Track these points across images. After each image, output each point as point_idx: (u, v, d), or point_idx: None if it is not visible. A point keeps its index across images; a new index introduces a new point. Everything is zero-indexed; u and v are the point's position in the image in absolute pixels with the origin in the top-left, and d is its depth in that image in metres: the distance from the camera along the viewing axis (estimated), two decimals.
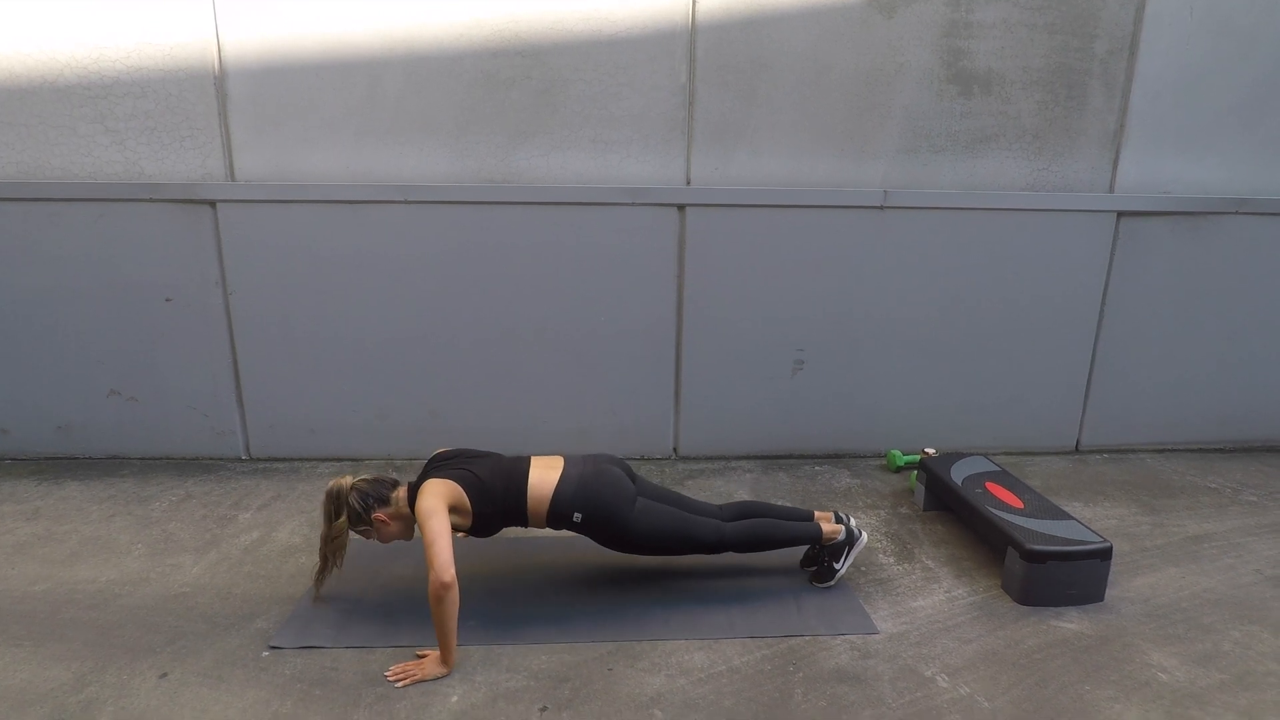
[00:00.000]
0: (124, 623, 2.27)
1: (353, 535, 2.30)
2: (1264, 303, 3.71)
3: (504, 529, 2.33)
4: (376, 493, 2.24)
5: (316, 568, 2.32)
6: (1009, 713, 1.95)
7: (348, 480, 2.24)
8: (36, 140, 3.20)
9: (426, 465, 2.33)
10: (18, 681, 2.00)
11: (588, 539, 2.80)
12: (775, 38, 3.25)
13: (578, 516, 2.25)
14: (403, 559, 2.65)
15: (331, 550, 2.27)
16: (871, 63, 3.31)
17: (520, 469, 2.29)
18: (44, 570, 2.55)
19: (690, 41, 3.23)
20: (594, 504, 2.25)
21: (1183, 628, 2.33)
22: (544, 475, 2.28)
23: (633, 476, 2.45)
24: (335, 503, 2.22)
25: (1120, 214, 3.52)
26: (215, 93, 3.17)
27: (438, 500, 2.11)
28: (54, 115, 3.18)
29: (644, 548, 2.34)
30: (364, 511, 2.20)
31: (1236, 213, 3.56)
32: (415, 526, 2.25)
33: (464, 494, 2.18)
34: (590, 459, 2.38)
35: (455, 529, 2.19)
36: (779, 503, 2.93)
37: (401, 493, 2.27)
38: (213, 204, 3.26)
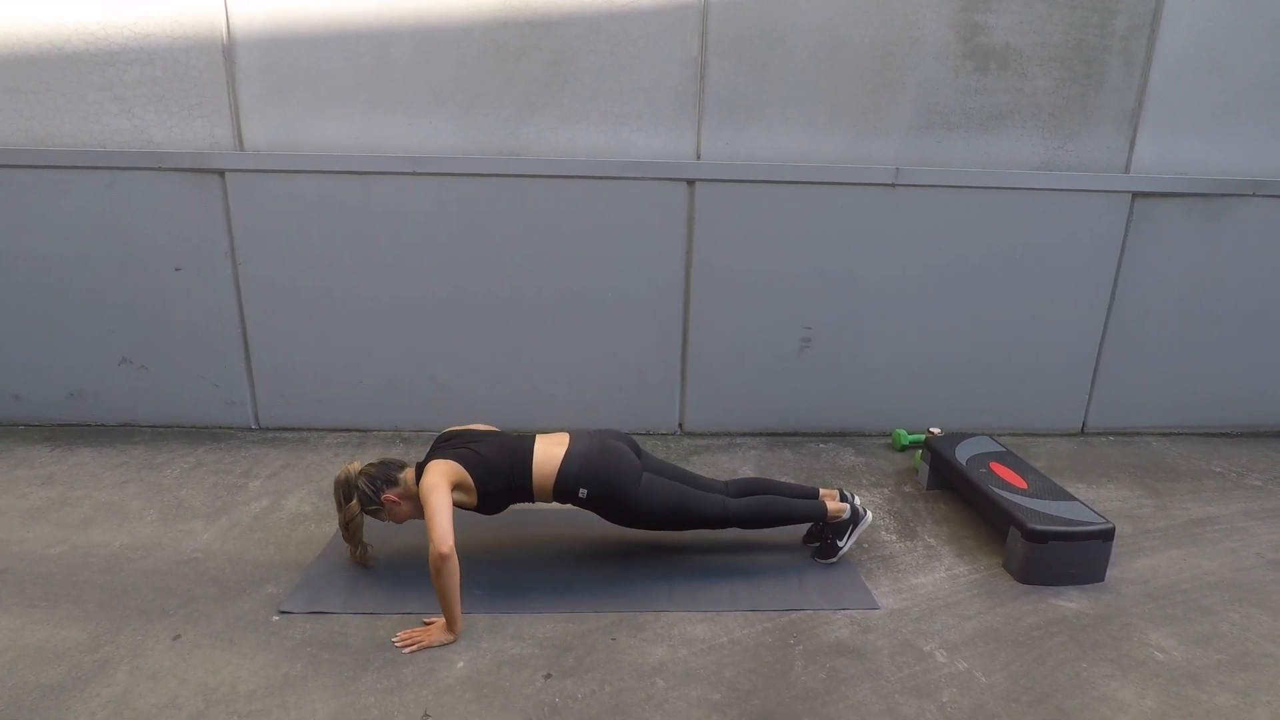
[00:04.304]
0: (137, 586, 2.31)
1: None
2: (1277, 286, 3.67)
3: (511, 505, 2.36)
4: (384, 475, 2.29)
5: (349, 551, 2.43)
6: (1005, 688, 1.97)
7: (355, 465, 2.31)
8: (45, 107, 3.19)
9: (431, 447, 2.37)
10: (35, 641, 2.05)
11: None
12: (789, 10, 3.20)
13: (583, 492, 2.28)
14: (410, 529, 2.68)
15: (351, 533, 2.34)
16: (887, 36, 3.25)
17: (524, 446, 2.32)
18: (59, 534, 2.60)
19: (703, 13, 3.18)
20: (599, 480, 2.27)
21: (1182, 609, 2.35)
22: (549, 451, 2.31)
23: (638, 452, 2.47)
24: (345, 489, 2.28)
25: (1135, 195, 3.48)
26: (223, 61, 3.15)
27: (440, 477, 2.16)
28: (62, 82, 3.16)
29: (650, 523, 2.37)
30: (374, 494, 2.26)
31: (1253, 195, 3.51)
32: None
33: (467, 473, 2.22)
34: (596, 434, 2.40)
35: (461, 506, 2.24)
36: (784, 480, 2.95)
37: (409, 474, 2.31)
38: (221, 173, 3.25)
